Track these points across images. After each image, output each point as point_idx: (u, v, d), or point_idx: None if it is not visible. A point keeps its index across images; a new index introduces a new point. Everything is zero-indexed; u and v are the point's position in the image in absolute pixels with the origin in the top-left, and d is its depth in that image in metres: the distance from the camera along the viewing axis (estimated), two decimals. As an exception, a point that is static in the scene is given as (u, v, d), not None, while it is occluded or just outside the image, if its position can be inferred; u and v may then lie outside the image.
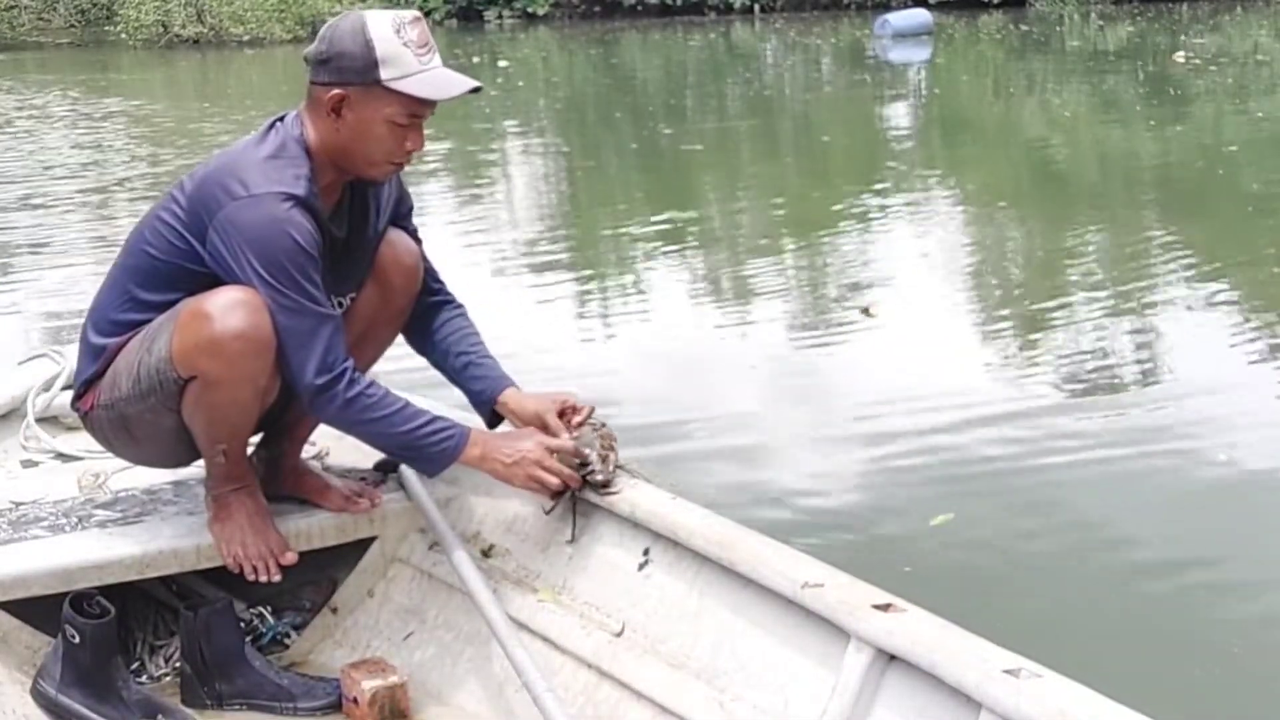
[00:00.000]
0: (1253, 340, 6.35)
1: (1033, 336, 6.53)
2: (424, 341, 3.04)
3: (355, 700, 2.76)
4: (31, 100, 19.84)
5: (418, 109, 2.70)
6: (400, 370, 3.19)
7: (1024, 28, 29.92)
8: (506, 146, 14.89)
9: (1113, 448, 4.89)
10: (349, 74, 2.66)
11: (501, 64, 25.60)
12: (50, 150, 14.38)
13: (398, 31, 2.66)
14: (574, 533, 2.89)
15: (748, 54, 28.08)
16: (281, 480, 3.00)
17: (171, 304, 2.71)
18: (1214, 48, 22.63)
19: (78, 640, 2.66)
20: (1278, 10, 30.34)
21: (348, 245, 2.81)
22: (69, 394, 3.03)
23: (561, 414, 2.90)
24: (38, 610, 2.80)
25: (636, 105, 18.78)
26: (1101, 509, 4.40)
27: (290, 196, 2.64)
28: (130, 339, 2.75)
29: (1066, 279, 7.71)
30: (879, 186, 11.12)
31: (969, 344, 6.54)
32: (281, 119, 2.76)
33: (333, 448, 3.20)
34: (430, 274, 3.03)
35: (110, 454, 2.99)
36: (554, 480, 2.80)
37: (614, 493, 2.82)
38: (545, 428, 2.87)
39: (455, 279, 3.14)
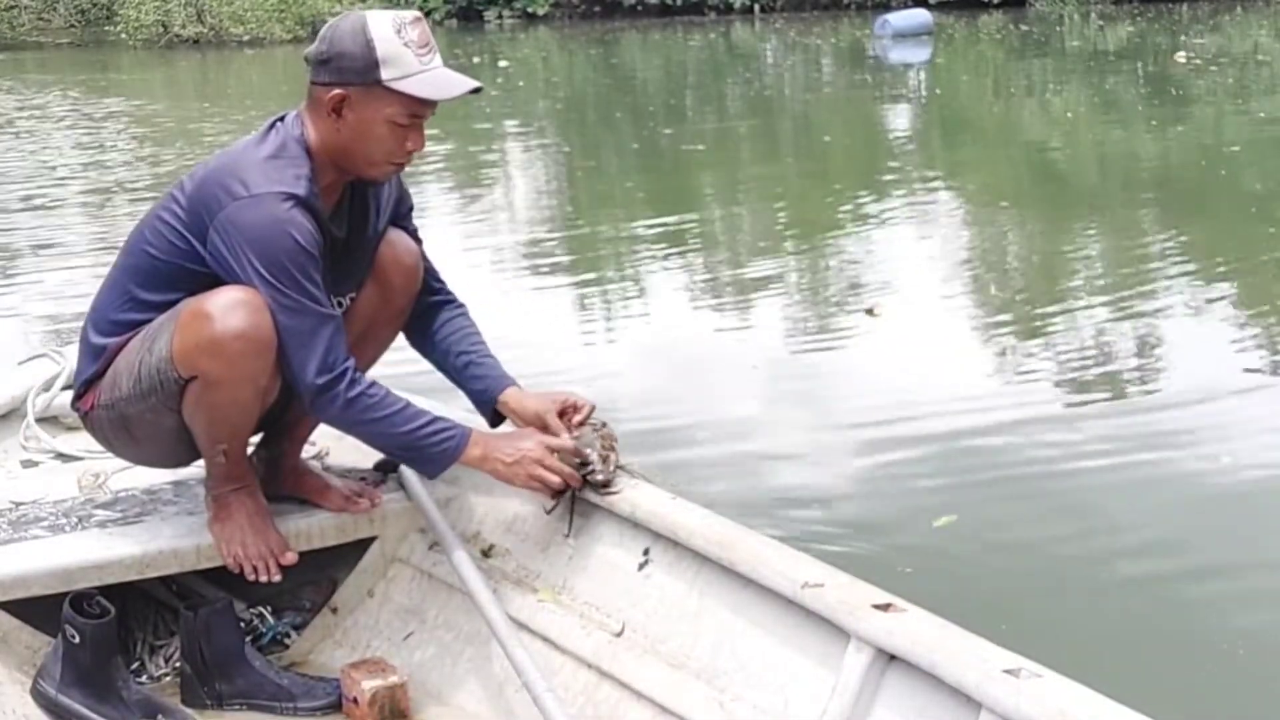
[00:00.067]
0: (1256, 342, 6.35)
1: (1036, 338, 6.53)
2: (425, 341, 3.04)
3: (355, 700, 2.76)
4: (32, 100, 19.85)
5: (418, 109, 2.70)
6: (399, 370, 3.19)
7: (1024, 28, 29.92)
8: (507, 146, 14.89)
9: (1116, 450, 4.88)
10: (349, 74, 2.66)
11: (502, 64, 25.61)
12: (51, 150, 14.38)
13: (398, 31, 2.66)
14: (574, 532, 2.89)
15: (748, 54, 28.08)
16: (281, 480, 3.00)
17: (172, 304, 2.71)
18: (1214, 48, 22.63)
19: (78, 640, 2.66)
20: (1278, 10, 30.34)
21: (348, 245, 2.81)
22: (69, 394, 3.03)
23: (562, 413, 2.90)
24: (38, 610, 2.80)
25: (637, 105, 18.78)
26: (1104, 511, 4.40)
27: (291, 196, 2.64)
28: (130, 339, 2.75)
29: (1069, 280, 7.70)
30: (880, 187, 11.11)
31: (972, 345, 6.54)
32: (282, 119, 2.76)
33: (333, 448, 3.20)
34: (431, 273, 3.03)
35: (110, 454, 2.99)
36: (555, 480, 2.80)
37: (614, 492, 2.82)
38: (546, 427, 2.87)
39: (456, 279, 3.14)
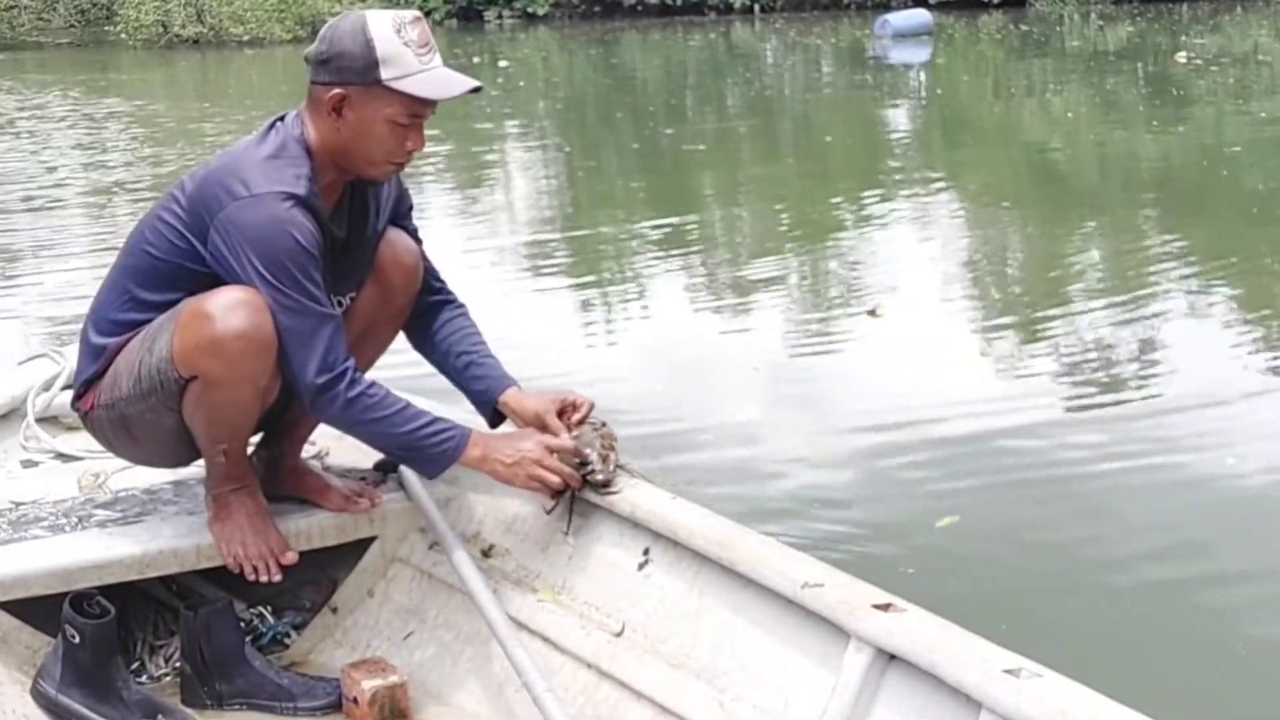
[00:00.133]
0: (1259, 344, 6.35)
1: (1038, 339, 6.52)
2: (425, 341, 3.04)
3: (355, 700, 2.76)
4: (32, 100, 19.85)
5: (418, 109, 2.70)
6: (400, 370, 3.19)
7: (1024, 28, 29.92)
8: (507, 147, 14.89)
9: (1119, 452, 4.88)
10: (349, 74, 2.66)
11: (502, 64, 25.61)
12: (52, 150, 14.38)
13: (398, 31, 2.66)
14: (574, 532, 2.89)
15: (748, 54, 28.08)
16: (281, 480, 3.00)
17: (172, 304, 2.71)
18: (1215, 48, 22.63)
19: (78, 640, 2.66)
20: (1278, 10, 30.34)
21: (348, 245, 2.81)
22: (69, 394, 3.03)
23: (561, 412, 2.90)
24: (38, 610, 2.80)
25: (637, 105, 18.78)
26: (1107, 512, 4.40)
27: (291, 196, 2.64)
28: (131, 339, 2.75)
29: (1071, 281, 7.70)
30: (882, 187, 11.11)
31: (975, 346, 6.54)
32: (282, 119, 2.76)
33: (333, 448, 3.20)
34: (431, 273, 3.03)
35: (110, 454, 2.99)
36: (554, 480, 2.80)
37: (614, 492, 2.82)
38: (545, 427, 2.87)
39: (457, 280, 3.14)
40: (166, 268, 2.73)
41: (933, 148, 14.00)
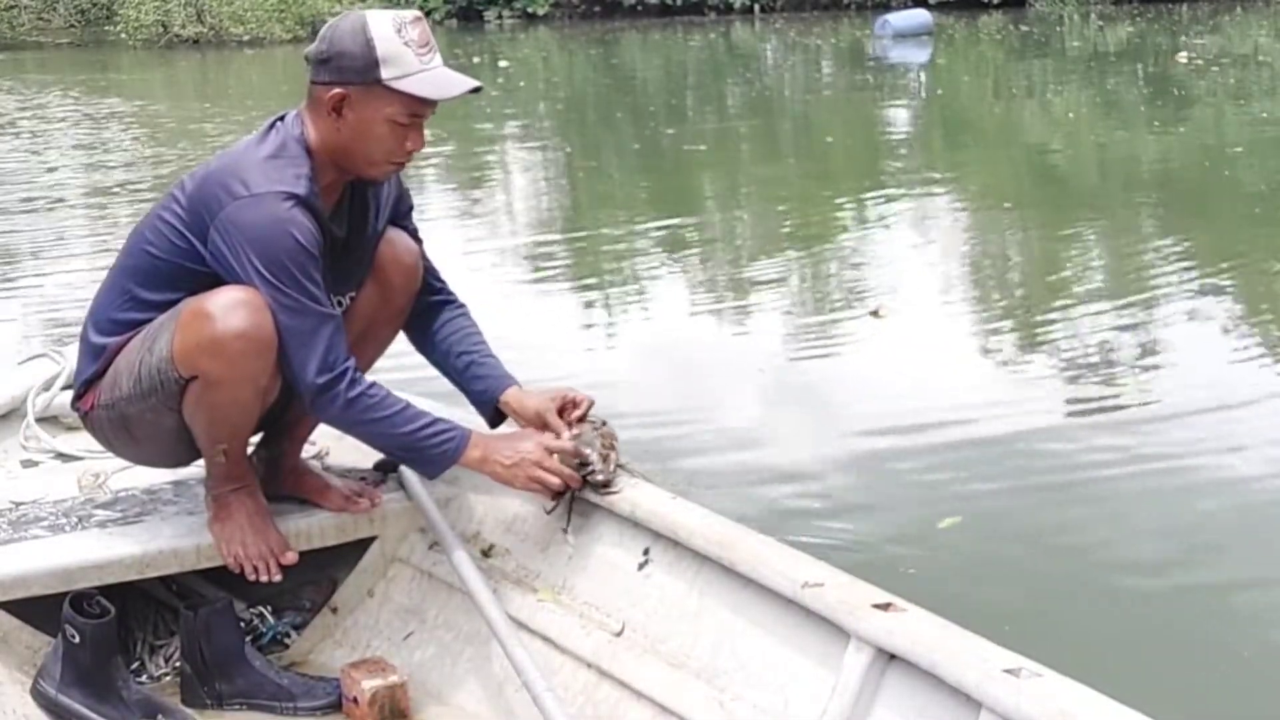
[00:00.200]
0: (1263, 345, 6.35)
1: (1041, 340, 6.52)
2: (425, 341, 3.04)
3: (355, 700, 2.76)
4: (32, 101, 19.85)
5: (418, 108, 2.70)
6: (402, 373, 3.19)
7: (1024, 28, 29.92)
8: (508, 147, 14.88)
9: (1122, 453, 4.87)
10: (350, 73, 2.66)
11: (502, 64, 25.61)
12: (53, 150, 14.38)
13: (398, 31, 2.66)
14: (574, 532, 2.89)
15: (748, 54, 28.08)
16: (281, 480, 3.00)
17: (172, 303, 2.71)
18: (1215, 48, 22.63)
19: (78, 640, 2.66)
20: (1278, 11, 30.35)
21: (348, 244, 2.81)
22: (69, 394, 3.03)
23: (562, 410, 2.90)
24: (38, 610, 2.80)
25: (638, 105, 18.78)
26: (1110, 514, 4.39)
27: (291, 196, 2.64)
28: (131, 339, 2.75)
29: (1073, 283, 7.68)
30: (883, 188, 11.11)
31: (978, 347, 6.54)
32: (282, 118, 2.76)
33: (333, 448, 3.20)
34: (431, 273, 3.03)
35: (110, 454, 2.99)
36: (554, 481, 2.80)
37: (614, 492, 2.82)
38: (546, 425, 2.87)
39: (457, 281, 3.14)
40: (166, 267, 2.73)
41: (934, 148, 14.00)
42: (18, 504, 3.05)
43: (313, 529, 2.97)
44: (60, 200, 11.24)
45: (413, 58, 2.66)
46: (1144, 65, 21.34)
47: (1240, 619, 3.71)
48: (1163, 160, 12.49)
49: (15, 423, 3.53)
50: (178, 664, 2.92)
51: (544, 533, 2.93)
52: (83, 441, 3.24)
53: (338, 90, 2.67)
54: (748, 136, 15.35)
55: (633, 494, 2.80)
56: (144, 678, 2.93)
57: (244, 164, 2.68)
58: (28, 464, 3.39)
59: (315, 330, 2.65)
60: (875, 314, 6.87)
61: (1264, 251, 8.22)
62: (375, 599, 3.08)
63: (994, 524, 4.32)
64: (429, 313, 3.02)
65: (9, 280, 8.38)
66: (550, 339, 6.56)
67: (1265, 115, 14.71)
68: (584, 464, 2.82)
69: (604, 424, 2.90)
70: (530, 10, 38.16)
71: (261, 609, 3.06)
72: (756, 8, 37.00)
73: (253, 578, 2.84)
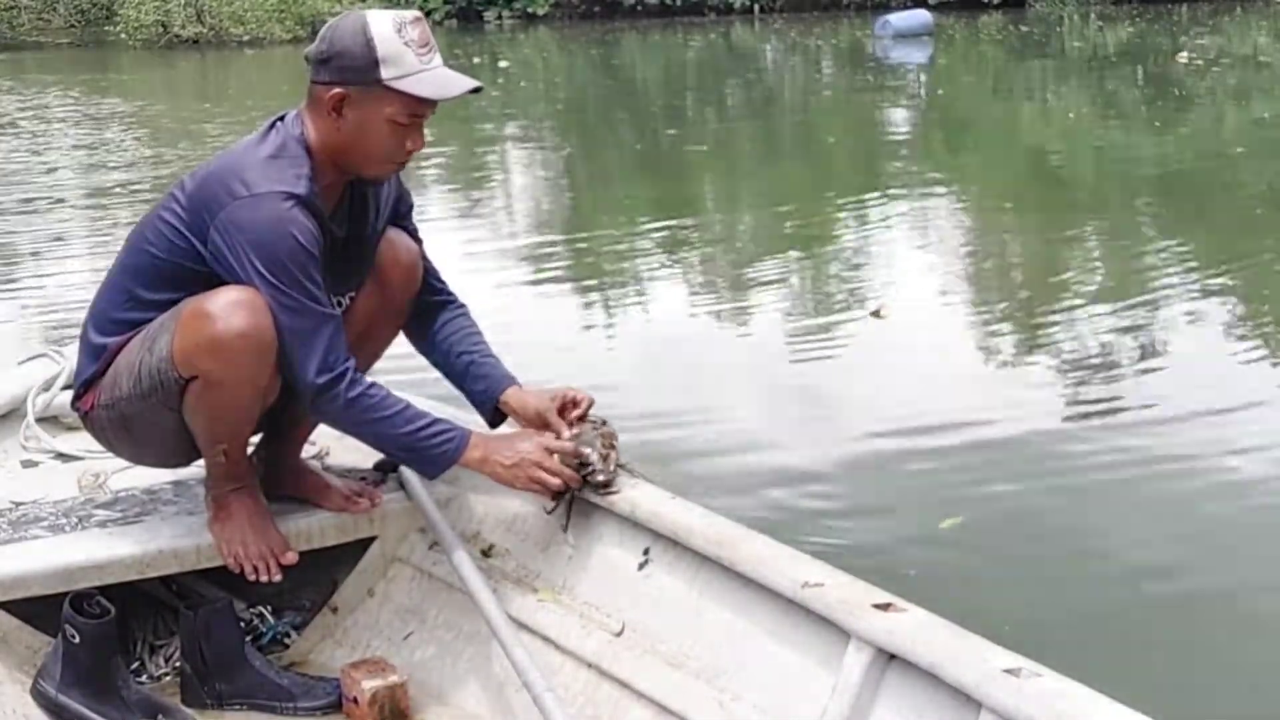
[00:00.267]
0: (1265, 347, 6.34)
1: (1043, 342, 6.52)
2: (425, 341, 3.03)
3: (355, 700, 2.76)
4: (33, 101, 19.85)
5: (418, 108, 2.70)
6: (402, 374, 3.19)
7: (1024, 28, 29.93)
8: (509, 147, 14.89)
9: (1124, 455, 4.87)
10: (350, 73, 2.66)
11: (502, 64, 25.62)
12: (54, 150, 14.38)
13: (399, 31, 2.66)
14: (574, 532, 2.89)
15: (748, 55, 28.09)
16: (281, 480, 3.00)
17: (172, 303, 2.71)
18: (1215, 49, 22.63)
19: (78, 640, 2.66)
20: (1278, 11, 30.36)
21: (348, 244, 2.81)
22: (69, 394, 3.03)
23: (562, 409, 2.90)
24: (38, 610, 2.79)
25: (638, 106, 18.79)
26: (1111, 515, 4.39)
27: (292, 196, 2.64)
28: (131, 338, 2.75)
29: (1075, 284, 7.68)
30: (884, 188, 11.11)
31: (980, 347, 6.54)
32: (282, 118, 2.76)
33: (333, 448, 3.20)
34: (431, 273, 3.03)
35: (110, 454, 2.99)
36: (554, 482, 2.80)
37: (614, 492, 2.82)
38: (547, 424, 2.87)
39: (458, 281, 3.13)
40: (167, 267, 2.73)
41: (934, 148, 14.00)
42: (18, 504, 3.05)
43: (313, 529, 2.96)
44: (60, 200, 11.24)
45: (413, 58, 2.66)
46: (1144, 66, 21.34)
47: (1241, 620, 3.72)
48: (1164, 161, 12.49)
49: (15, 423, 3.53)
50: (178, 664, 2.92)
51: (544, 533, 2.93)
52: (83, 441, 3.24)
53: (338, 90, 2.67)
54: (749, 137, 15.35)
55: (633, 494, 2.80)
56: (144, 678, 2.93)
57: (244, 164, 2.68)
58: (28, 464, 3.39)
59: (315, 330, 2.65)
60: (877, 314, 6.87)
61: (1269, 252, 8.22)
62: (375, 599, 3.08)
63: (995, 525, 4.32)
64: (429, 313, 3.02)
65: (9, 280, 8.38)
66: (551, 340, 6.55)
67: (1267, 116, 14.71)
68: (584, 464, 2.82)
69: (604, 423, 2.90)
70: (530, 10, 38.17)
71: (261, 609, 3.06)
72: (756, 8, 37.02)
73: (253, 578, 2.84)
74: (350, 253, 2.82)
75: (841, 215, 10.18)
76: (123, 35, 33.62)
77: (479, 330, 3.04)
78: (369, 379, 2.74)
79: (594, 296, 7.73)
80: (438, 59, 2.71)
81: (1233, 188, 10.66)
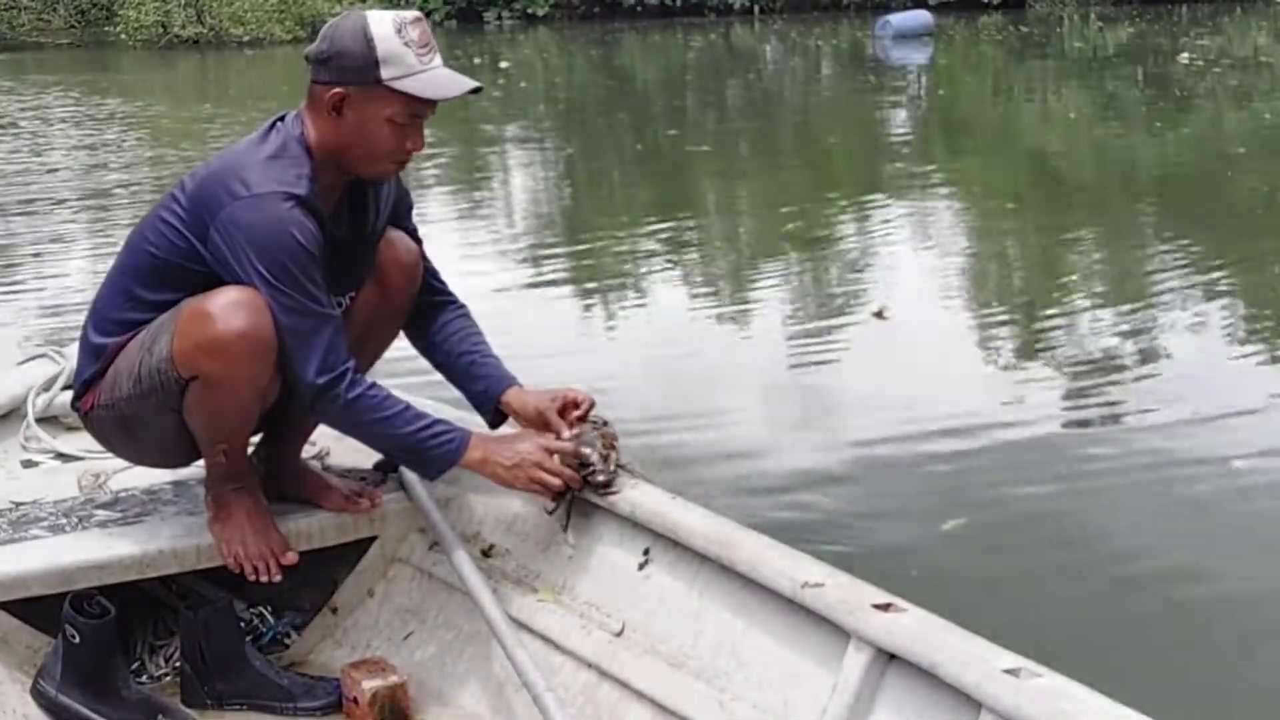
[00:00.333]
0: (1268, 348, 6.34)
1: (1046, 342, 6.52)
2: (426, 341, 3.03)
3: (355, 700, 2.76)
4: (33, 101, 19.85)
5: (418, 109, 2.70)
6: (403, 376, 3.19)
7: (1024, 29, 29.94)
8: (510, 148, 14.88)
9: (1126, 456, 4.88)
10: (350, 73, 2.66)
11: (503, 65, 25.61)
12: (54, 151, 14.37)
13: (399, 31, 2.66)
14: (574, 532, 2.89)
15: (749, 55, 28.09)
16: (281, 480, 3.00)
17: (172, 303, 2.70)
18: (1216, 49, 22.63)
19: (78, 640, 2.66)
20: (1278, 12, 30.36)
21: (348, 245, 2.81)
22: (69, 394, 3.03)
23: (563, 409, 2.90)
24: (38, 610, 2.79)
25: (639, 107, 18.79)
26: (1114, 516, 4.40)
27: (292, 196, 2.64)
28: (131, 339, 2.75)
29: (1078, 285, 7.68)
30: (886, 189, 11.12)
31: (984, 348, 6.54)
32: (282, 118, 2.76)
33: (333, 448, 3.20)
34: (431, 273, 3.03)
35: (110, 454, 2.99)
36: (555, 482, 2.80)
37: (614, 492, 2.81)
38: (547, 424, 2.87)
39: (458, 282, 3.13)
40: (167, 267, 2.73)
41: (936, 149, 14.00)
42: (18, 504, 3.05)
43: (313, 529, 2.96)
44: (61, 201, 11.24)
45: (413, 58, 2.66)
46: (1145, 66, 21.35)
47: (1242, 622, 3.72)
48: (1166, 161, 12.49)
49: (15, 423, 3.53)
50: (178, 664, 2.92)
51: (544, 533, 2.93)
52: (83, 441, 3.24)
53: (338, 90, 2.67)
54: (750, 137, 15.35)
55: (633, 494, 2.80)
56: (144, 678, 2.93)
57: (244, 164, 2.68)
58: (28, 464, 3.39)
59: (315, 331, 2.65)
60: (880, 315, 6.86)
61: (1271, 253, 8.22)
62: (375, 599, 3.08)
63: (998, 526, 4.32)
64: (429, 313, 3.02)
65: (9, 280, 8.38)
66: (551, 341, 6.55)
67: (1268, 116, 14.72)
68: (584, 464, 2.82)
69: (605, 424, 2.90)
70: (530, 11, 38.16)
71: (261, 609, 3.06)
72: (756, 9, 37.02)
73: (253, 578, 2.84)
74: (350, 253, 2.82)
75: (843, 216, 10.18)
76: (123, 35, 33.60)
77: (479, 330, 3.04)
78: (369, 379, 2.74)
79: (595, 298, 7.73)
80: (438, 59, 2.71)
81: (1235, 188, 10.65)
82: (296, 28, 32.38)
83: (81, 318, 2.92)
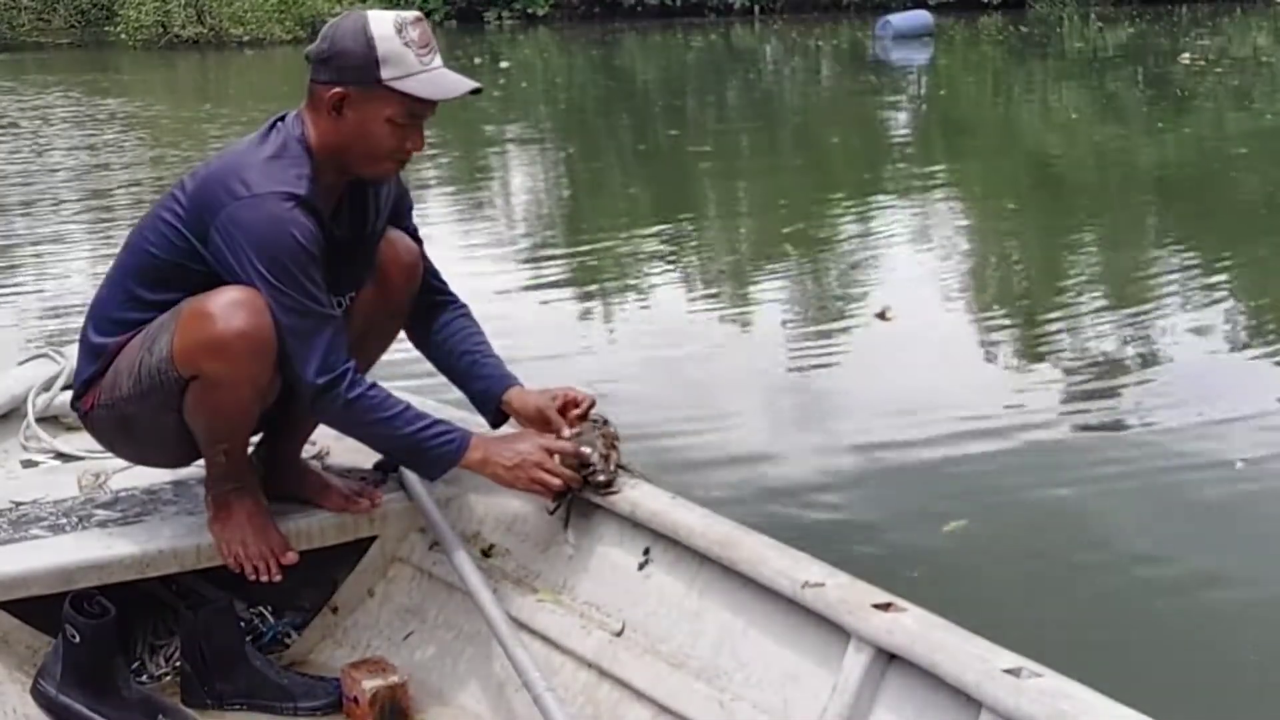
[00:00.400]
0: (1270, 350, 6.34)
1: (1048, 344, 6.52)
2: (427, 341, 3.03)
3: (355, 700, 2.76)
4: (34, 101, 19.85)
5: (418, 109, 2.70)
6: (404, 379, 3.19)
7: (1024, 29, 29.94)
8: (510, 148, 14.88)
9: (1128, 457, 4.88)
10: (350, 73, 2.66)
11: (503, 65, 25.61)
12: (56, 151, 14.37)
13: (399, 31, 2.66)
14: (574, 532, 2.89)
15: (749, 56, 28.09)
16: (281, 480, 2.99)
17: (172, 303, 2.71)
18: (1216, 49, 22.64)
19: (78, 640, 2.66)
20: (1278, 12, 30.37)
21: (348, 245, 2.81)
22: (69, 394, 3.03)
23: (564, 409, 2.90)
24: (38, 610, 2.79)
25: (639, 107, 18.79)
26: (1115, 518, 4.40)
27: (292, 196, 2.64)
28: (131, 338, 2.75)
29: (1081, 286, 7.68)
30: (888, 189, 11.11)
31: (986, 350, 6.54)
32: (282, 118, 2.76)
33: (333, 448, 3.20)
34: (431, 273, 3.03)
35: (110, 454, 2.99)
36: (555, 483, 2.79)
37: (614, 492, 2.81)
38: (548, 423, 2.87)
39: (459, 282, 3.13)
40: (167, 267, 2.73)
41: (937, 149, 14.00)
42: (18, 504, 3.05)
43: (313, 529, 2.96)
44: (61, 201, 11.24)
45: (413, 58, 2.66)
46: (1145, 67, 21.35)
47: (1242, 622, 3.72)
48: (1167, 162, 12.49)
49: (15, 423, 3.53)
50: (178, 664, 2.92)
51: (544, 533, 2.93)
52: (83, 441, 3.24)
53: (338, 90, 2.67)
54: (750, 138, 15.35)
55: (633, 494, 2.80)
56: (144, 678, 2.93)
57: (245, 164, 2.68)
58: (28, 464, 3.39)
59: (316, 331, 2.65)
60: (882, 316, 6.86)
61: (1270, 253, 8.22)
62: (375, 599, 3.08)
63: (999, 528, 4.32)
64: (430, 313, 3.02)
65: (9, 280, 8.38)
66: (552, 341, 6.54)
67: (1269, 116, 14.72)
68: (585, 464, 2.82)
69: (606, 423, 2.90)
70: (530, 11, 38.14)
71: (261, 609, 3.06)
72: (756, 9, 37.00)
73: (253, 578, 2.84)
74: (351, 253, 2.82)
75: (843, 216, 10.17)
76: (123, 35, 33.59)
77: (480, 330, 3.04)
78: (369, 379, 2.74)
79: (595, 299, 7.73)
80: (438, 60, 2.71)
81: (1237, 188, 10.65)
82: (296, 28, 32.36)
83: (81, 318, 2.92)
